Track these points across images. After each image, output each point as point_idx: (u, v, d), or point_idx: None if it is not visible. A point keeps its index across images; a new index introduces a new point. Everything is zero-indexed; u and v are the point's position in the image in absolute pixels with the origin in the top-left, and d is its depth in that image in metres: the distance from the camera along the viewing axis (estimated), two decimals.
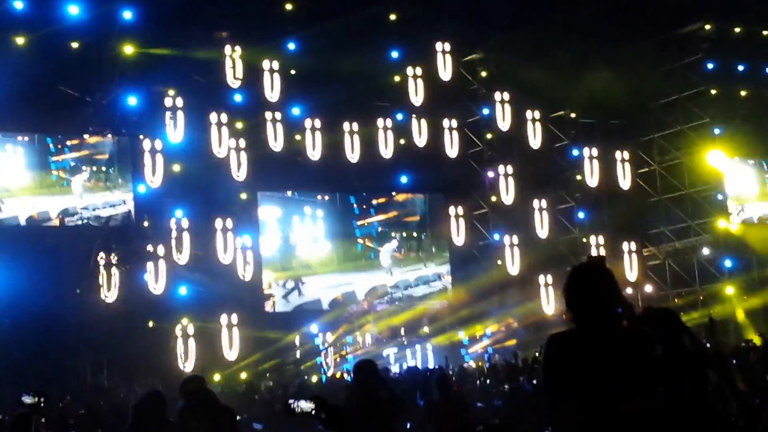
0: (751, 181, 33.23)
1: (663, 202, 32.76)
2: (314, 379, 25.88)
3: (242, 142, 27.09)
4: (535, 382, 15.63)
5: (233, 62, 26.98)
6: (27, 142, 26.08)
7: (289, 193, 30.14)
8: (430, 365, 26.70)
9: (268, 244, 29.23)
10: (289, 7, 27.60)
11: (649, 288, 32.05)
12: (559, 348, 4.97)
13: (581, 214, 32.15)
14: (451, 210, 30.52)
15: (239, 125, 27.28)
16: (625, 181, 31.76)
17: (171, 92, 26.36)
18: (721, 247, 31.81)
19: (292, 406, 6.32)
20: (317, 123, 28.18)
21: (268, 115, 27.55)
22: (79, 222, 26.16)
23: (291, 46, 28.17)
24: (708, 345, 10.03)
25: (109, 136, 26.87)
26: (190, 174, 26.49)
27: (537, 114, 30.77)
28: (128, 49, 25.83)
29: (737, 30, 31.77)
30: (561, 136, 32.00)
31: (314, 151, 28.08)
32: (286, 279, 29.58)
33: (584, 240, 31.46)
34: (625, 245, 31.32)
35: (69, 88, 25.84)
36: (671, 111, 32.56)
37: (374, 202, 31.35)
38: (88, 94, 26.34)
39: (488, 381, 21.89)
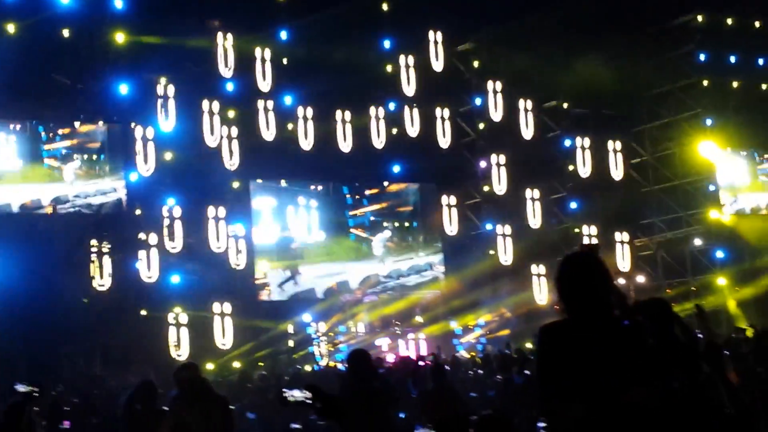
0: (743, 172, 33.27)
1: (655, 192, 32.82)
2: (307, 368, 25.87)
3: (234, 131, 27.04)
4: (527, 372, 15.67)
5: (225, 51, 26.94)
6: (19, 130, 25.97)
7: (283, 183, 30.08)
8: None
9: (263, 234, 29.19)
10: None
11: (641, 278, 32.10)
12: (552, 338, 4.97)
13: (573, 204, 32.17)
14: (444, 199, 30.55)
15: (231, 114, 27.22)
16: (617, 172, 31.83)
17: (163, 80, 26.29)
18: (713, 237, 31.90)
19: (286, 395, 6.32)
20: (309, 112, 28.15)
21: (260, 103, 27.51)
22: (72, 210, 26.06)
23: (283, 35, 28.08)
24: (701, 336, 10.06)
25: (101, 123, 26.77)
26: (182, 162, 26.43)
27: (529, 104, 30.82)
28: (120, 37, 25.72)
29: (729, 21, 31.85)
30: (553, 126, 32.02)
31: (306, 140, 28.05)
32: (284, 268, 29.56)
33: (576, 230, 31.49)
34: (617, 235, 31.40)
35: (60, 76, 25.73)
36: (664, 101, 32.63)
37: (367, 192, 31.32)
38: (79, 82, 26.23)
39: (480, 371, 21.88)
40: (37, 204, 25.65)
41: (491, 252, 30.71)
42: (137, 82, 26.25)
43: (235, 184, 28.09)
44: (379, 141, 29.17)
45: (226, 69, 26.95)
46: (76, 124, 26.53)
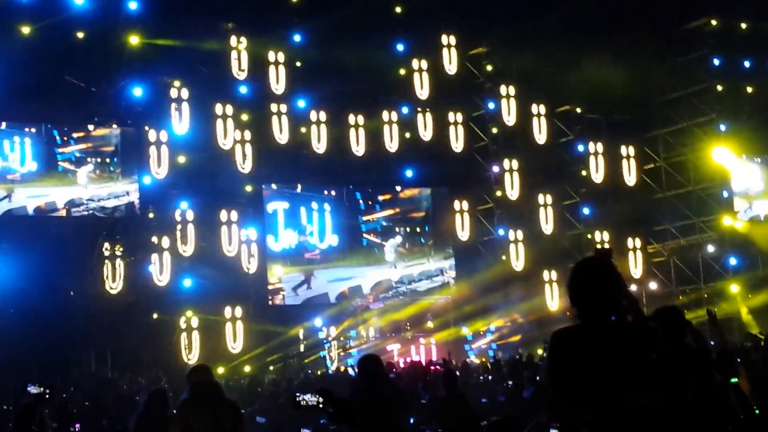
0: (758, 178, 33.10)
1: (668, 198, 32.67)
2: (318, 372, 25.86)
3: (247, 134, 27.09)
4: (537, 378, 15.62)
5: (239, 54, 27.00)
6: (34, 133, 26.12)
7: (299, 189, 30.09)
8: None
9: (278, 240, 29.24)
10: None
11: (653, 285, 31.98)
12: (564, 343, 4.95)
13: (586, 210, 32.10)
14: (456, 204, 30.51)
15: (244, 117, 27.25)
16: (630, 177, 31.71)
17: (176, 83, 26.38)
18: (726, 244, 31.75)
19: (298, 399, 6.32)
20: (322, 116, 28.15)
21: (274, 107, 27.54)
22: (85, 212, 26.23)
23: (297, 38, 28.15)
24: (713, 343, 10.02)
25: (115, 127, 26.87)
26: (195, 165, 26.51)
27: (542, 109, 30.75)
28: (134, 40, 25.82)
29: (743, 26, 31.72)
30: (566, 131, 31.95)
31: (319, 144, 28.07)
32: (299, 272, 29.59)
33: (589, 236, 31.38)
34: (629, 242, 31.27)
35: (75, 79, 25.83)
36: (677, 107, 32.47)
37: (380, 198, 31.36)
38: (93, 85, 26.34)
39: (490, 377, 21.84)
40: (52, 207, 25.82)
41: (503, 257, 30.67)
42: (151, 84, 26.38)
43: (248, 188, 28.12)
44: (391, 145, 29.16)
45: (239, 72, 27.02)
46: (90, 127, 26.64)
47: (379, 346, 28.90)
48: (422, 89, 29.29)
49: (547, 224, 30.66)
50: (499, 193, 31.19)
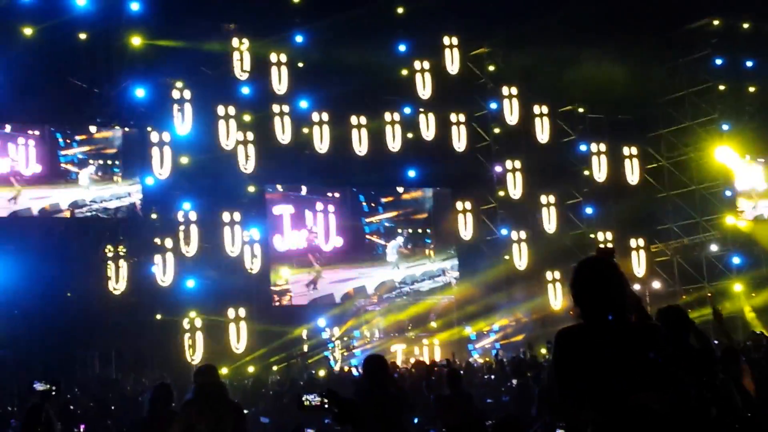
0: (760, 178, 33.07)
1: (671, 198, 32.66)
2: (321, 373, 25.88)
3: (250, 135, 27.08)
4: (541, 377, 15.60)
5: (241, 54, 26.99)
6: (38, 136, 26.19)
7: (303, 191, 30.10)
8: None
9: (283, 241, 29.27)
10: None
11: (656, 284, 31.98)
12: (568, 342, 4.96)
13: (589, 210, 32.12)
14: (459, 204, 30.48)
15: (247, 118, 27.25)
16: (633, 177, 31.68)
17: (179, 84, 26.37)
18: (729, 243, 31.76)
19: (303, 399, 6.34)
20: (325, 116, 28.14)
21: (276, 107, 27.53)
22: (88, 214, 26.29)
23: (298, 38, 28.17)
24: (717, 342, 10.02)
25: (117, 128, 26.90)
26: (197, 166, 26.51)
27: (545, 109, 30.72)
28: (136, 41, 25.85)
29: (745, 26, 31.69)
30: (569, 131, 31.94)
31: (322, 144, 28.05)
32: (307, 274, 29.62)
33: (592, 235, 31.36)
34: (632, 241, 31.23)
35: (77, 80, 25.86)
36: (679, 107, 32.45)
37: (382, 200, 31.42)
38: (96, 86, 26.39)
39: (493, 377, 21.86)
40: (56, 208, 25.89)
41: (506, 257, 30.65)
42: (153, 85, 26.38)
43: (251, 189, 28.14)
44: (394, 145, 29.15)
45: (241, 73, 27.02)
46: (92, 129, 26.68)
47: (383, 347, 28.94)
48: (424, 89, 29.28)
49: (549, 224, 30.63)
50: (501, 193, 31.18)
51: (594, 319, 4.92)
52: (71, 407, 16.29)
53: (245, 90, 27.50)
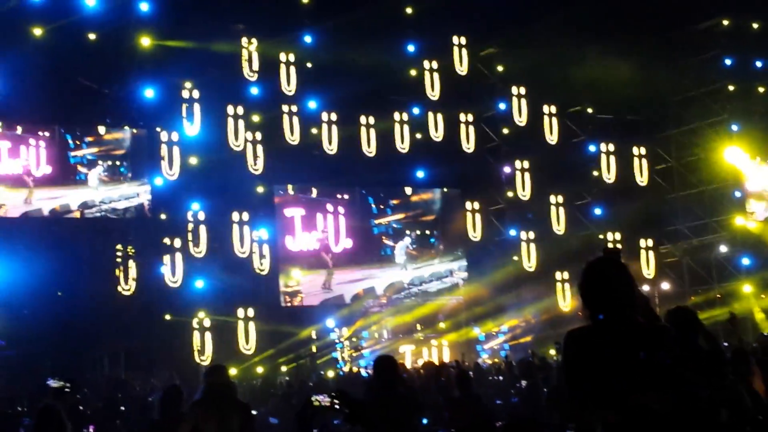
0: None
1: (680, 198, 32.57)
2: (330, 374, 25.89)
3: (259, 135, 27.11)
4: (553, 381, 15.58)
5: (250, 55, 27.00)
6: (48, 137, 26.27)
7: (314, 193, 30.12)
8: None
9: (295, 242, 29.31)
10: None
11: (666, 285, 31.91)
12: (577, 343, 4.97)
13: (598, 210, 32.05)
14: (467, 205, 30.47)
15: (256, 118, 27.27)
16: (642, 177, 31.62)
17: (188, 85, 26.41)
18: (738, 244, 31.65)
19: (313, 400, 6.34)
20: (333, 116, 28.17)
21: (285, 108, 27.55)
22: (98, 214, 26.37)
23: (307, 39, 28.15)
24: (727, 344, 10.01)
25: (126, 128, 26.95)
26: (206, 167, 26.54)
27: (554, 109, 30.70)
28: (145, 41, 25.88)
29: (755, 26, 31.56)
30: (578, 131, 31.89)
31: (331, 144, 28.08)
32: (320, 275, 29.66)
33: (600, 236, 31.28)
34: (642, 242, 31.20)
35: (86, 80, 25.90)
36: (689, 107, 32.33)
37: (391, 202, 31.43)
38: (105, 87, 26.41)
39: (501, 378, 21.81)
40: (66, 209, 26.00)
41: (515, 258, 30.62)
42: (162, 86, 26.41)
43: (260, 189, 28.18)
44: (403, 145, 29.14)
45: (250, 73, 27.03)
46: (101, 131, 26.73)
47: (391, 347, 28.93)
48: (433, 90, 29.25)
49: (558, 224, 30.60)
50: (510, 194, 31.16)
51: (602, 319, 4.92)
52: (80, 407, 16.27)
53: (254, 90, 27.51)
